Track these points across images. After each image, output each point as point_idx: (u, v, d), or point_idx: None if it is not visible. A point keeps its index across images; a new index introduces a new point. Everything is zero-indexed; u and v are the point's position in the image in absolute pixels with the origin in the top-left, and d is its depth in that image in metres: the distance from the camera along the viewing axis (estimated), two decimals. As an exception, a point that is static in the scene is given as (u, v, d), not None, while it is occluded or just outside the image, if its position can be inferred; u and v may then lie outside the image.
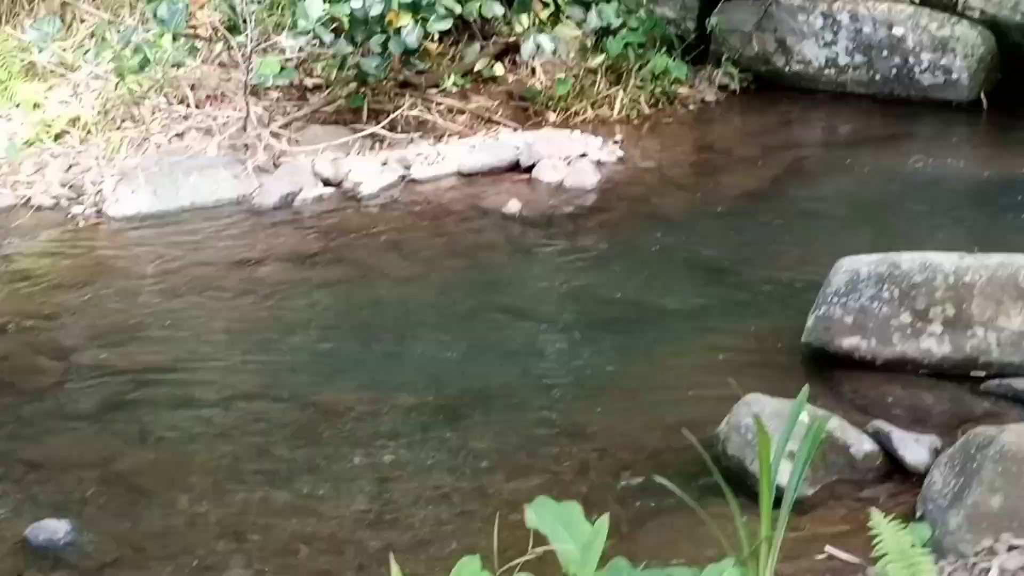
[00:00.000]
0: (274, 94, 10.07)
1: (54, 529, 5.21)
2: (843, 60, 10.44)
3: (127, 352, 7.04)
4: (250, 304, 7.58)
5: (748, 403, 5.48)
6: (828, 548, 4.78)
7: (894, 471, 5.32)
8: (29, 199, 9.14)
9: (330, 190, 9.11)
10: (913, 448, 5.31)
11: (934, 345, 6.08)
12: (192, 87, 10.11)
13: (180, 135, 9.75)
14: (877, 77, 10.37)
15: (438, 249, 8.25)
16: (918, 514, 4.91)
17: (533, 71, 10.49)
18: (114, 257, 8.48)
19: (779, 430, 5.25)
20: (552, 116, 10.19)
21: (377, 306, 7.46)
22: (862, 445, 5.35)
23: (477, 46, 10.49)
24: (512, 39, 10.43)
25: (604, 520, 3.52)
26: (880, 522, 3.82)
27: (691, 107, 10.59)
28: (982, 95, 10.09)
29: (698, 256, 7.85)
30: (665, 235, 8.18)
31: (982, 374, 6.02)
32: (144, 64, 9.36)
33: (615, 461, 5.60)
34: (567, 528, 3.74)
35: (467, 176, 9.28)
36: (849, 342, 6.16)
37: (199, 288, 7.81)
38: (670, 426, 5.75)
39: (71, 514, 5.35)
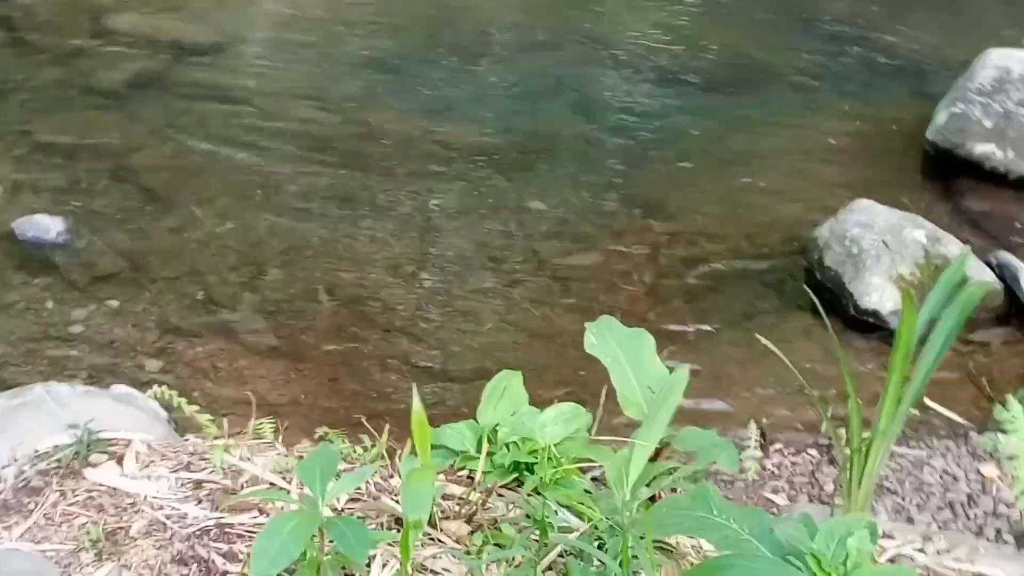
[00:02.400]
0: None
1: (46, 227, 4.56)
2: None
3: (166, 22, 6.29)
4: (308, -10, 6.75)
5: (856, 209, 4.69)
6: (927, 400, 4.06)
7: (1015, 314, 4.55)
8: None
9: None
10: (1042, 290, 4.54)
11: (1079, 166, 5.24)
12: None
13: None
14: None
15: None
16: (1037, 373, 4.18)
17: None
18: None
19: (891, 247, 4.56)
20: None
21: (446, 18, 6.58)
22: (982, 278, 4.54)
23: None
24: None
25: (684, 373, 2.80)
26: (1016, 410, 3.09)
27: None
28: None
29: (821, 14, 6.87)
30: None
31: None
32: None
33: (688, 247, 4.84)
34: (632, 362, 3.03)
35: None
36: (983, 149, 5.30)
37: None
38: (758, 218, 5.01)
39: (71, 210, 4.71)
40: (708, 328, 4.39)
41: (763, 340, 2.95)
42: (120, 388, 3.47)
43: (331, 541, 2.11)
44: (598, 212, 5.01)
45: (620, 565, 2.08)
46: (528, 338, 4.28)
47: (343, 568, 2.27)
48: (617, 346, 3.07)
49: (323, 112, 5.62)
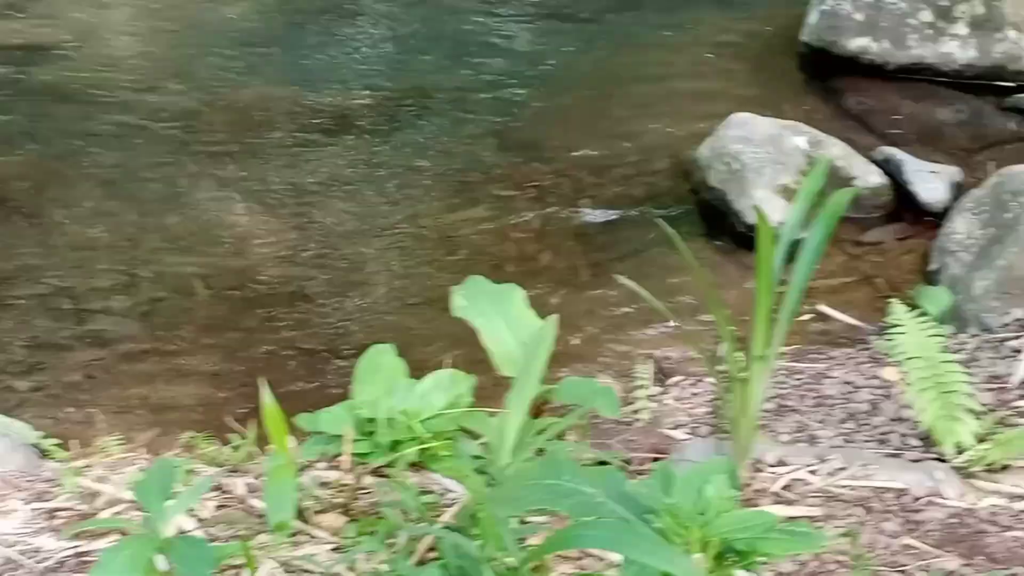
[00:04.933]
0: None
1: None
2: None
3: (9, 25, 6.03)
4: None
5: (734, 124, 4.59)
6: (821, 306, 3.97)
7: (904, 208, 4.47)
8: None
9: None
10: (929, 182, 4.46)
11: (957, 49, 5.17)
12: None
13: None
14: None
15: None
16: (932, 266, 4.10)
17: None
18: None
19: (770, 157, 4.47)
20: None
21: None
22: (868, 177, 4.48)
23: None
24: None
25: (552, 322, 2.69)
26: (901, 314, 3.01)
27: None
28: None
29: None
30: None
31: (1010, 85, 5.13)
32: None
33: (574, 186, 4.72)
34: (505, 318, 2.92)
35: None
36: (857, 43, 5.22)
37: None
38: (641, 145, 4.90)
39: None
40: (601, 266, 4.28)
41: (624, 280, 2.83)
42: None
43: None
44: (478, 163, 4.88)
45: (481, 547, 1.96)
46: (419, 303, 4.15)
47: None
48: (488, 304, 2.95)
49: (186, 96, 5.41)
